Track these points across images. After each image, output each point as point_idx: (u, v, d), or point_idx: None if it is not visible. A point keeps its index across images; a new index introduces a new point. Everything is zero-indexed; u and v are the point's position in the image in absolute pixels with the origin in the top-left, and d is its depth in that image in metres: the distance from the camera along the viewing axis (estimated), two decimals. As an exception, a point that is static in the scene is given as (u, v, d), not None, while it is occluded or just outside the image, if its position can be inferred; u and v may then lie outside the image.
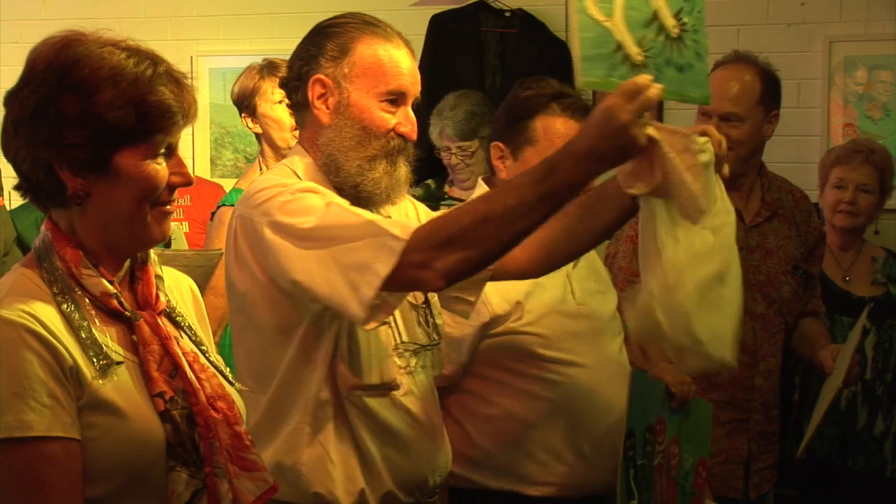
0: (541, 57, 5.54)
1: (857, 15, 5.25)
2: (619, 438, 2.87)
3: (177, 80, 1.96)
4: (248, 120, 4.10)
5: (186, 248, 4.30)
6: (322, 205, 2.36)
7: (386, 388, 2.55)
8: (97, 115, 1.87)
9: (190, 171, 2.03)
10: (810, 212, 3.79)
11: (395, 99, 2.54)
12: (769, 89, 3.60)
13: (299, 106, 2.61)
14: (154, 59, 1.94)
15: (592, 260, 3.21)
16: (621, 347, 3.12)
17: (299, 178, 2.54)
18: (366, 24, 2.57)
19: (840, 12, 5.26)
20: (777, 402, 3.75)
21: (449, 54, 5.64)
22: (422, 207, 2.83)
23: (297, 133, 2.75)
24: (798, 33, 5.36)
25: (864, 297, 4.09)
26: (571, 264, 3.03)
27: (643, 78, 2.15)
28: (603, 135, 2.13)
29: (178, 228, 4.47)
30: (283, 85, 2.68)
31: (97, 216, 1.93)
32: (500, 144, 3.03)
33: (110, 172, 1.90)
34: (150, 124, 1.91)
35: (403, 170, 2.56)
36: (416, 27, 5.49)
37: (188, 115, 1.96)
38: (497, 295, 2.93)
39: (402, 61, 2.55)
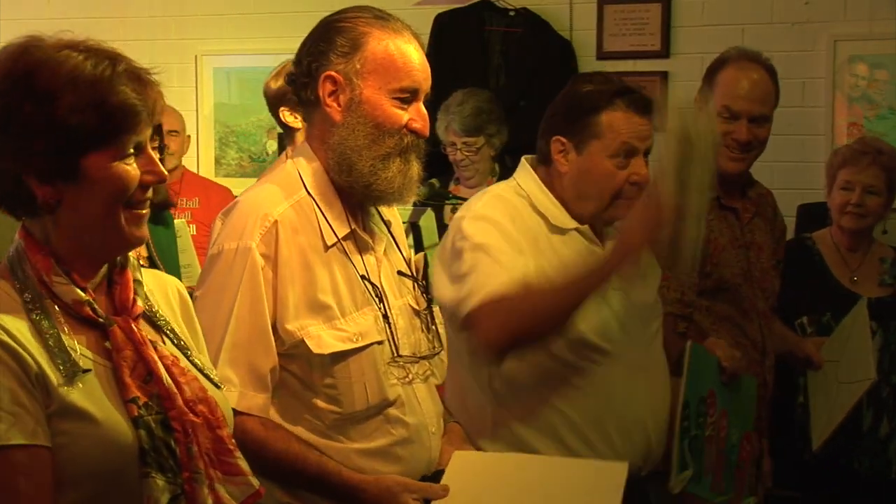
0: (545, 56, 5.59)
1: (860, 14, 5.25)
2: (657, 420, 2.94)
3: (139, 78, 1.92)
4: (287, 112, 4.07)
5: (193, 250, 4.25)
6: None
7: (378, 409, 2.53)
8: (59, 122, 1.84)
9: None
10: (776, 206, 3.86)
11: (408, 95, 2.51)
12: (778, 88, 3.63)
13: (309, 103, 2.57)
14: (113, 59, 1.91)
15: None
16: (658, 332, 3.08)
17: (304, 184, 2.53)
18: (376, 19, 2.53)
19: (844, 11, 5.25)
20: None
21: (453, 53, 5.66)
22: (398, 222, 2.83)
23: None
24: (802, 32, 5.36)
25: (870, 299, 4.02)
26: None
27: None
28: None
29: (183, 227, 4.40)
30: (290, 81, 2.65)
31: (70, 223, 1.91)
32: (562, 138, 2.95)
33: (79, 178, 1.87)
34: (115, 125, 1.87)
35: (416, 167, 2.54)
36: (420, 26, 5.40)
37: (154, 112, 1.93)
38: None
39: (413, 56, 2.52)
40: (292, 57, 3.98)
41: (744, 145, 3.53)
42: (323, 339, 2.46)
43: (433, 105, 4.68)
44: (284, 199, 2.51)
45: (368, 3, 2.57)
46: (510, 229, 2.87)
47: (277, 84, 4.05)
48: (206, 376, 2.05)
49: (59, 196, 1.87)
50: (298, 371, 2.48)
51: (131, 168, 1.90)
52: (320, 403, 2.48)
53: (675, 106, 2.87)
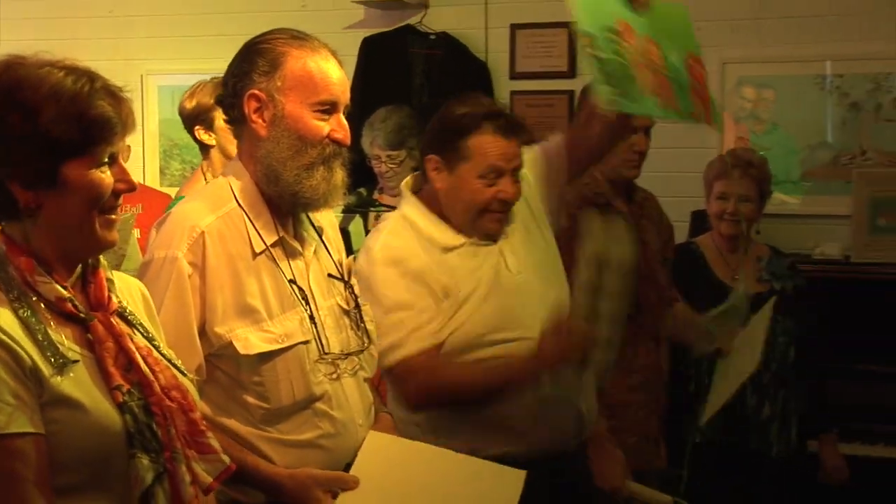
0: (464, 76, 5.62)
1: (748, 37, 5.31)
2: (586, 396, 3.14)
3: (113, 94, 1.96)
4: (202, 131, 4.16)
5: (139, 255, 4.33)
6: None
7: (305, 404, 2.55)
8: (42, 132, 1.87)
9: (140, 179, 2.06)
10: (660, 208, 4.00)
11: (328, 108, 2.51)
12: None
13: (237, 121, 2.58)
14: (91, 76, 1.95)
15: (527, 220, 3.24)
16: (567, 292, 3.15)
17: (235, 197, 2.54)
18: (294, 39, 2.54)
19: (732, 34, 5.28)
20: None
21: (380, 74, 5.70)
22: (334, 225, 2.86)
23: None
24: (693, 55, 5.44)
25: (751, 294, 4.12)
26: (504, 236, 3.11)
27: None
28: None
29: (127, 227, 4.48)
30: (219, 102, 2.65)
31: (49, 226, 1.93)
32: (436, 157, 3.05)
33: (59, 184, 1.90)
34: (93, 136, 1.90)
35: (340, 174, 2.54)
36: (349, 48, 5.57)
37: (126, 124, 1.97)
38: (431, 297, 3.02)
39: (330, 72, 2.53)
40: (206, 78, 4.09)
41: (643, 154, 3.72)
42: (250, 340, 2.46)
43: (361, 121, 4.88)
44: (212, 211, 2.50)
45: (301, 27, 2.59)
46: (414, 265, 2.96)
47: (192, 104, 4.15)
48: (175, 366, 2.09)
49: (39, 201, 1.90)
50: (229, 370, 2.49)
51: (106, 176, 1.93)
52: (250, 399, 2.49)
53: (588, 231, 2.96)
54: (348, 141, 2.57)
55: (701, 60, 3.04)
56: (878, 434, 4.53)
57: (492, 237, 3.10)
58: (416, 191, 3.17)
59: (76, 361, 1.91)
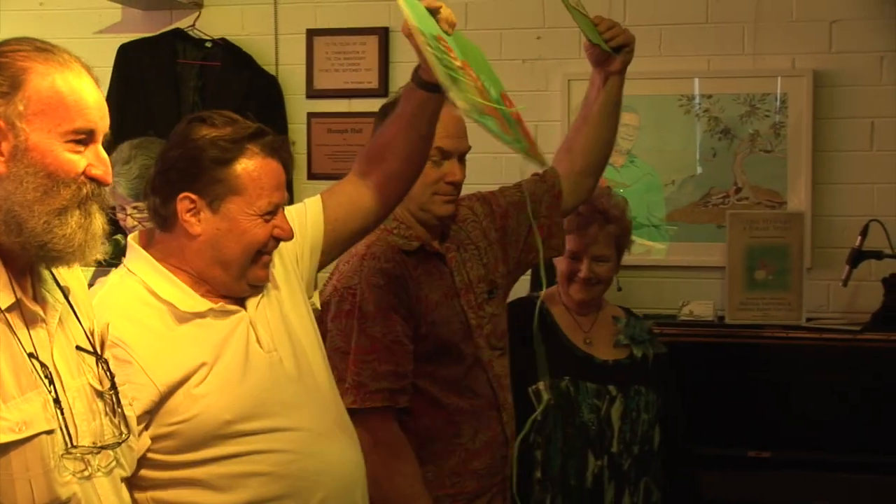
0: (248, 93, 5.70)
1: None
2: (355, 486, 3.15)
3: None
4: None
5: None
6: None
7: None
8: None
9: None
10: (474, 207, 4.00)
11: (83, 137, 2.44)
12: None
13: None
14: None
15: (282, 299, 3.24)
16: (330, 378, 3.21)
17: None
18: (38, 51, 2.44)
19: (579, 48, 5.10)
20: None
21: (141, 89, 5.73)
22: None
23: None
24: (534, 70, 5.54)
25: (608, 362, 4.18)
26: (254, 304, 3.12)
27: None
28: None
29: None
30: None
31: None
32: (192, 195, 3.01)
33: None
34: None
35: (99, 220, 2.48)
36: (103, 57, 5.49)
37: None
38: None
39: (86, 92, 2.46)
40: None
41: (458, 185, 3.67)
42: None
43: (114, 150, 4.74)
44: None
45: (40, 32, 2.52)
46: (133, 352, 2.90)
47: None
48: None
49: None
50: None
51: None
52: None
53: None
54: (110, 179, 2.50)
55: (508, 97, 3.28)
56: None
57: (257, 290, 3.11)
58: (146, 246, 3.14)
59: None
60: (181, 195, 3.01)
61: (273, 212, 3.04)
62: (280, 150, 3.07)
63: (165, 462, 2.95)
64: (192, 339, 2.99)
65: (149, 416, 2.91)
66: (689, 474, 4.38)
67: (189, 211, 3.01)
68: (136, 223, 4.72)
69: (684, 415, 4.33)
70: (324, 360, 3.21)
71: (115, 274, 3.09)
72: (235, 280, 3.06)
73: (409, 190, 3.45)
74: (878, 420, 4.75)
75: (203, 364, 2.97)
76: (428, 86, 3.13)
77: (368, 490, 3.26)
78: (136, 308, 2.98)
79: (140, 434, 2.86)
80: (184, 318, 3.00)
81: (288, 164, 3.12)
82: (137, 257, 3.08)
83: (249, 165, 3.01)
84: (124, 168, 4.69)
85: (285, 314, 3.19)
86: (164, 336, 2.97)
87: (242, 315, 3.07)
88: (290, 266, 3.26)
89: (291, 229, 3.10)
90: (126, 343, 2.89)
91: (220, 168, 3.00)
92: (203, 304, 3.02)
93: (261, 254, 3.05)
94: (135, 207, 4.70)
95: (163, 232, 3.10)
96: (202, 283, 3.05)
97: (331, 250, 3.38)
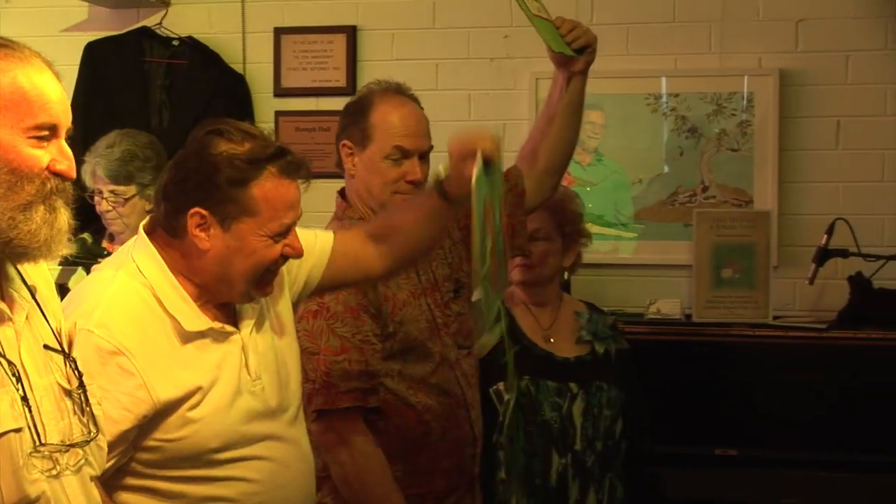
0: (216, 92, 5.67)
1: None
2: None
3: None
4: None
5: None
6: None
7: None
8: None
9: None
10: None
11: (46, 133, 2.42)
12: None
13: None
14: None
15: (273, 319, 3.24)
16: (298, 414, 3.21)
17: None
18: None
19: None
20: None
21: (108, 88, 5.68)
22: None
23: None
24: (501, 69, 5.54)
25: (569, 359, 4.19)
26: (248, 328, 3.09)
27: None
28: None
29: None
30: None
31: None
32: (203, 211, 2.97)
33: None
34: None
35: (64, 216, 2.45)
36: (70, 56, 5.48)
37: None
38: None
39: (48, 87, 2.44)
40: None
41: (418, 184, 3.67)
42: None
43: (85, 147, 4.73)
44: None
45: (8, 30, 2.52)
46: (137, 363, 2.89)
47: None
48: None
49: None
50: None
51: None
52: None
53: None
54: (74, 173, 2.48)
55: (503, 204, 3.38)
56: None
57: (257, 301, 3.12)
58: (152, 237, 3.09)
59: None
60: (192, 210, 2.99)
61: (284, 233, 3.03)
62: (300, 171, 3.05)
63: (139, 472, 2.97)
64: (192, 360, 2.98)
65: (138, 428, 2.90)
66: (650, 472, 4.44)
67: (199, 226, 2.99)
68: (110, 207, 4.71)
69: (647, 412, 4.36)
70: (298, 378, 3.26)
71: (124, 270, 3.03)
72: (241, 295, 3.06)
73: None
74: (845, 418, 4.76)
75: (199, 388, 2.96)
76: (447, 195, 3.27)
77: (340, 490, 3.28)
78: (144, 316, 2.96)
79: (129, 443, 2.90)
80: (187, 337, 2.98)
81: (308, 181, 3.10)
82: (148, 257, 3.05)
83: (266, 187, 2.99)
84: (107, 150, 4.70)
85: (276, 344, 3.19)
86: (167, 353, 2.95)
87: (237, 338, 3.07)
88: (286, 280, 3.26)
89: (302, 248, 3.08)
90: (132, 353, 2.89)
91: (236, 188, 2.98)
92: (204, 322, 3.01)
93: (269, 271, 3.06)
94: (111, 191, 4.69)
95: (172, 238, 3.07)
96: (206, 292, 3.05)
97: (321, 287, 3.39)
